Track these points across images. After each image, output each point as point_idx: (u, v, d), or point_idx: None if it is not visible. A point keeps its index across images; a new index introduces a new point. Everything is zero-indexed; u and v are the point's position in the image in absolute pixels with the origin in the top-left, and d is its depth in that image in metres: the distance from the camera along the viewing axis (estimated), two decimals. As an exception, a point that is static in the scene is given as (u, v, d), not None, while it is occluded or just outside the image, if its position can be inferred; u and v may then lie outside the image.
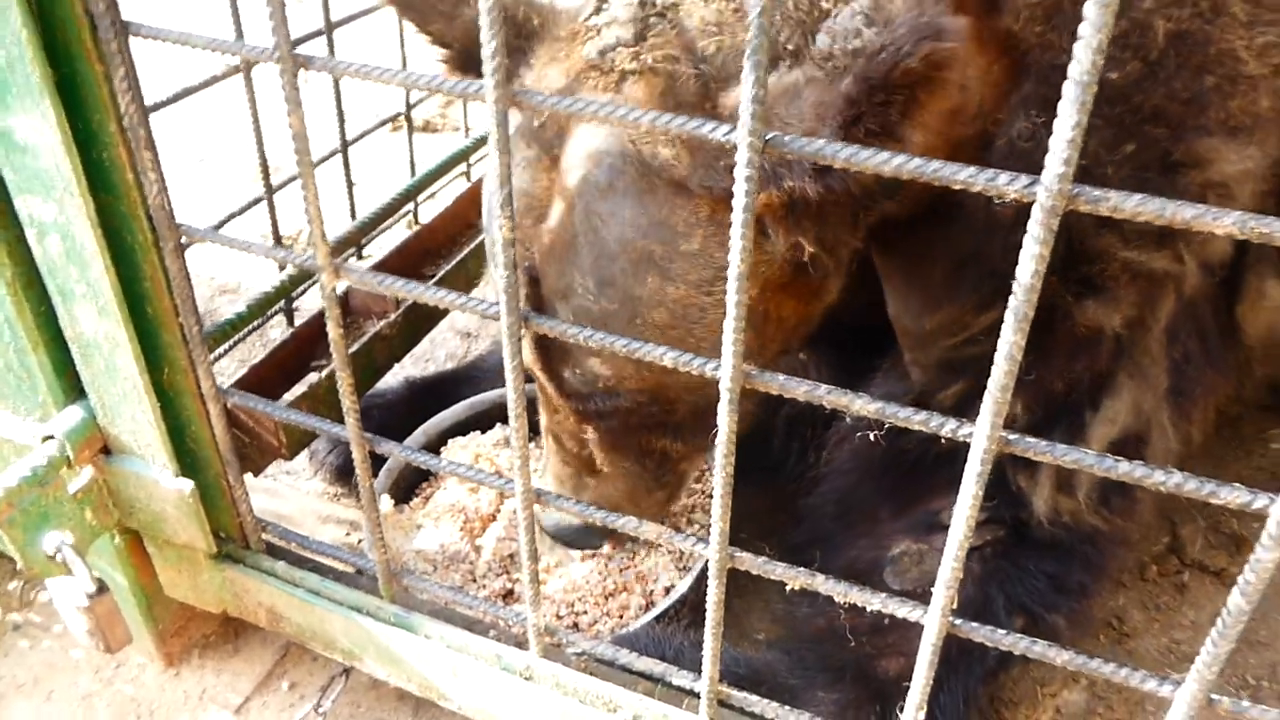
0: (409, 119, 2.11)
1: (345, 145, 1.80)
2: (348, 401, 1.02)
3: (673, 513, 1.62)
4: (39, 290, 1.09)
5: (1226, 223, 0.61)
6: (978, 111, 1.16)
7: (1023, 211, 1.22)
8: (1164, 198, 1.09)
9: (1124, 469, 0.72)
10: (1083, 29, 0.57)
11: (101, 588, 1.21)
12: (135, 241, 1.03)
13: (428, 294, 0.92)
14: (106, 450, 1.21)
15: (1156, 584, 1.59)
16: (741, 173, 0.70)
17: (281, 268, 1.68)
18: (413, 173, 2.17)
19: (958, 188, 0.67)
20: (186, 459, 1.20)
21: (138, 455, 1.19)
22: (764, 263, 1.16)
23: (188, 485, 1.18)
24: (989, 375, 1.35)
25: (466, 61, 1.29)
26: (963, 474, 0.78)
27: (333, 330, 0.97)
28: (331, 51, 1.66)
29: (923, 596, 0.91)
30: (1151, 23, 1.09)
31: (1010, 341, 0.70)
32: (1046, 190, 0.64)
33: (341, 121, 1.81)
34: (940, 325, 1.35)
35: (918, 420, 0.79)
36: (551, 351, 1.27)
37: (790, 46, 1.08)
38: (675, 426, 1.35)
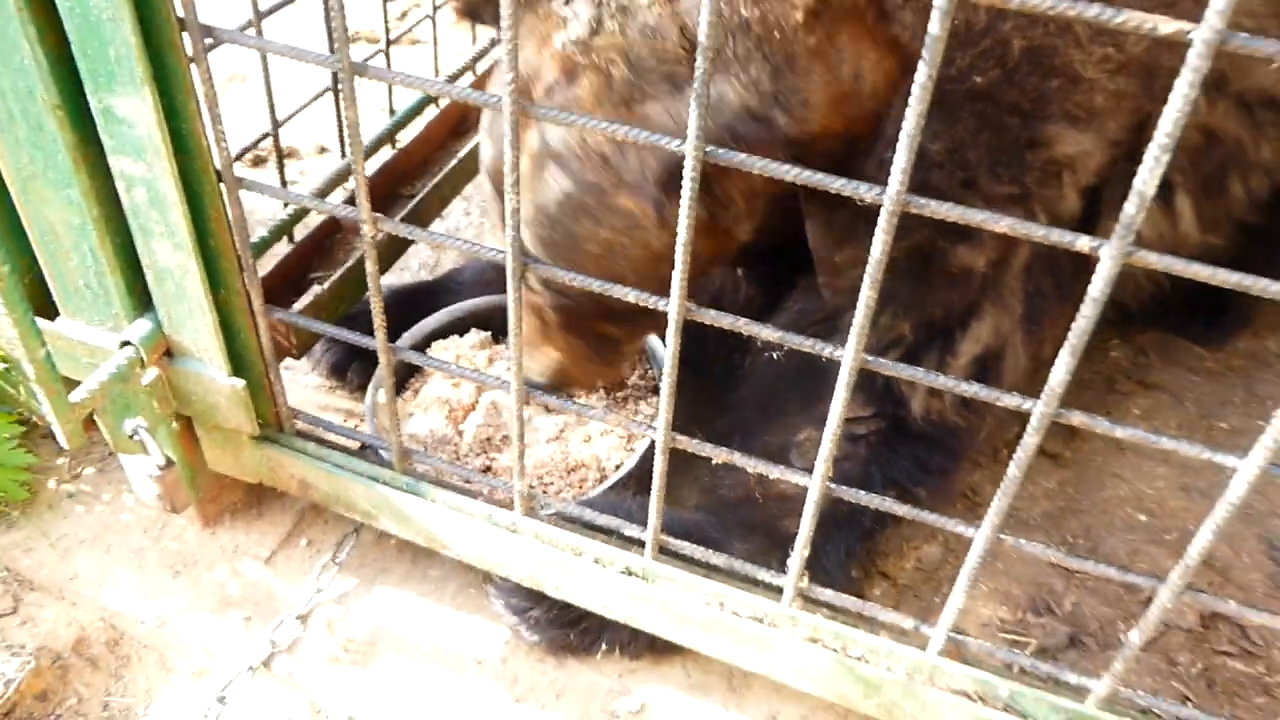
0: (388, 50, 2.32)
1: (336, 83, 2.03)
2: (378, 320, 1.32)
3: (623, 400, 1.96)
4: (117, 225, 1.35)
5: (1001, 225, 0.94)
6: (873, 98, 1.46)
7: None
8: (1016, 169, 1.45)
9: (961, 385, 1.07)
10: (908, 114, 0.88)
11: (169, 461, 1.51)
12: (204, 191, 1.29)
13: (450, 242, 1.22)
14: (168, 353, 1.49)
15: (1005, 465, 1.98)
16: (688, 176, 1.00)
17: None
18: (389, 91, 2.39)
19: (833, 192, 0.98)
20: (235, 361, 1.48)
21: (197, 358, 1.47)
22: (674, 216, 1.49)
23: (239, 383, 1.47)
24: (891, 301, 1.70)
25: (472, 5, 1.56)
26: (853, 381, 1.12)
27: (370, 267, 1.26)
28: None
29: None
30: (1010, 39, 1.40)
31: (866, 294, 1.03)
32: (890, 198, 0.95)
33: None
34: (847, 259, 1.68)
35: (807, 345, 1.12)
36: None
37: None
38: (615, 317, 1.68)
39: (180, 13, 1.13)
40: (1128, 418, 2.09)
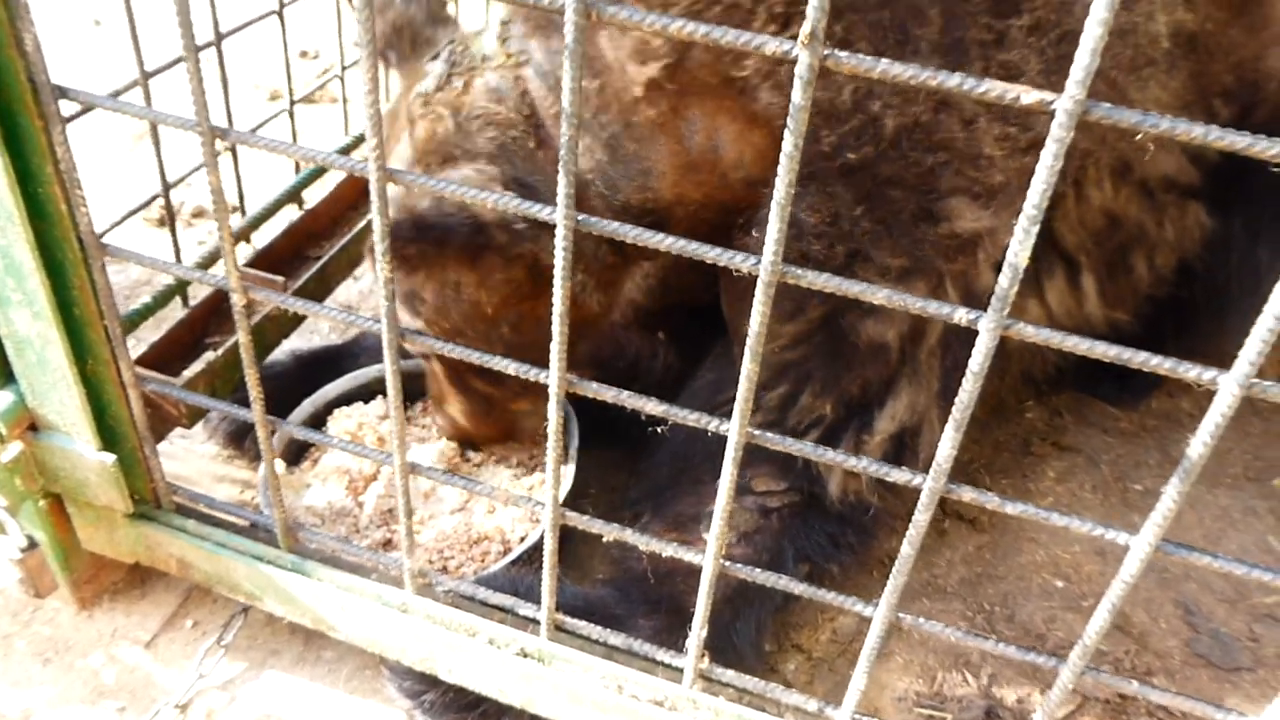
0: (292, 110, 2.27)
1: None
2: (254, 391, 1.25)
3: (533, 468, 1.90)
4: (-25, 293, 1.28)
5: (878, 297, 0.91)
6: (738, 168, 1.45)
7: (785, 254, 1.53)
8: (908, 243, 1.43)
9: (829, 456, 1.03)
10: (777, 184, 0.85)
11: (32, 543, 1.42)
12: (66, 259, 1.22)
13: (328, 313, 1.16)
14: (33, 427, 1.40)
15: (923, 530, 1.95)
16: (560, 245, 0.96)
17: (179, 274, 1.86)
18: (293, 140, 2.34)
19: (709, 261, 0.95)
20: (106, 434, 1.40)
21: (63, 432, 1.38)
22: (502, 282, 1.49)
23: (110, 458, 1.38)
24: (805, 378, 1.67)
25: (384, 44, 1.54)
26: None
27: (243, 337, 1.19)
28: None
29: (731, 546, 1.20)
30: (881, 117, 1.39)
31: (748, 368, 0.99)
32: (765, 269, 0.92)
33: (229, 108, 1.97)
34: None
35: (692, 419, 1.07)
36: None
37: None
38: (485, 375, 1.66)
39: (33, 74, 1.07)
40: (1044, 481, 2.08)
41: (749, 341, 0.97)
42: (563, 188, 0.93)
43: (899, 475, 1.01)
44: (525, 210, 0.98)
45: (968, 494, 1.02)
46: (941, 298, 1.62)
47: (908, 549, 1.06)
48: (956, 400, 0.94)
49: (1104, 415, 2.26)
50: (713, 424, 1.06)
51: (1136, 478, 2.10)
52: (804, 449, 1.04)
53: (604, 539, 1.25)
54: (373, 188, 0.99)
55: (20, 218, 1.16)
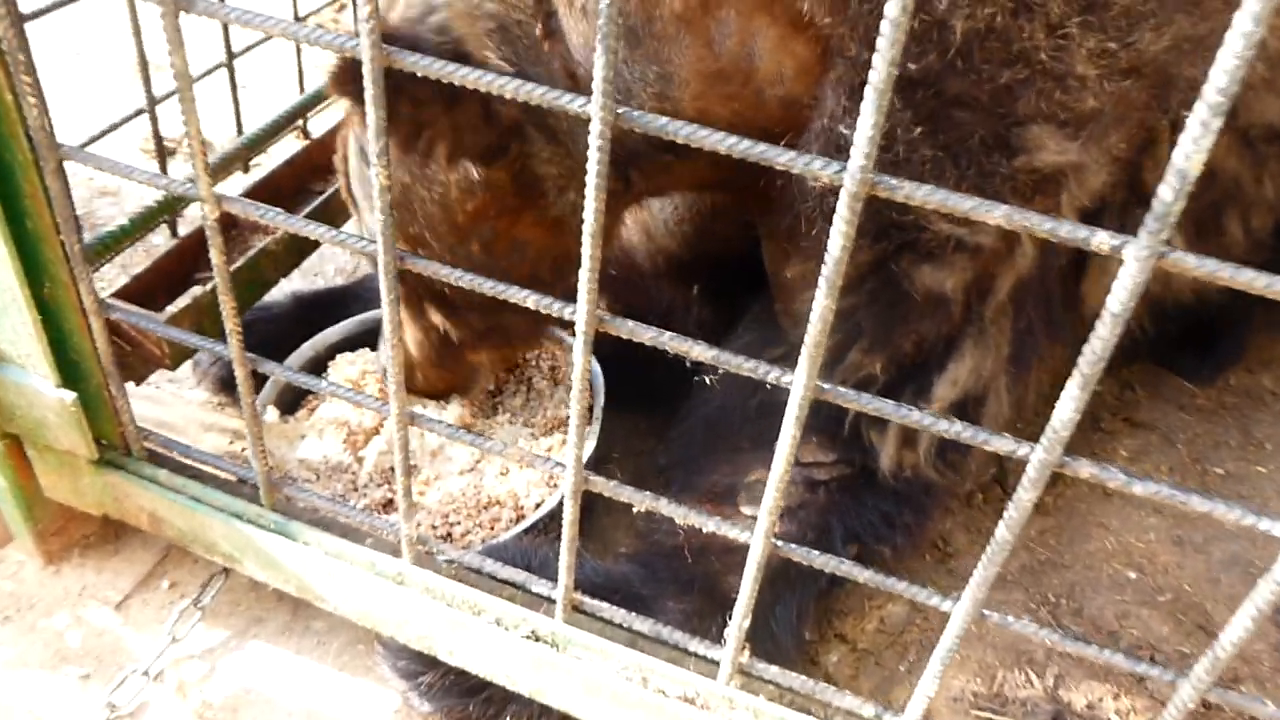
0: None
1: (231, 58, 1.79)
2: (230, 324, 1.07)
3: (549, 429, 1.71)
4: (-85, 200, 1.10)
5: (996, 215, 0.72)
6: (776, 83, 1.24)
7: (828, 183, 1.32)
8: (975, 176, 1.21)
9: (915, 417, 0.84)
10: (880, 43, 0.66)
11: (-19, 490, 1.25)
12: (15, 160, 1.05)
13: (306, 228, 0.98)
14: (-15, 358, 1.23)
15: (981, 510, 1.76)
16: (594, 143, 0.77)
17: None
18: (300, 78, 2.15)
19: (779, 168, 0.76)
20: (68, 369, 1.23)
21: (18, 364, 1.21)
22: (480, 183, 1.30)
23: (69, 395, 1.21)
24: (856, 331, 1.47)
25: None
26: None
27: (215, 257, 1.01)
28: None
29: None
30: (948, 20, 1.15)
31: (822, 305, 0.80)
32: (851, 177, 0.73)
33: (227, 35, 1.79)
34: (798, 275, 1.45)
35: (747, 367, 0.89)
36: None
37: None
38: (444, 304, 1.48)
39: (-35, -76, 0.89)
40: (1115, 459, 1.88)
41: (826, 271, 0.78)
42: (599, 70, 0.74)
43: (1002, 444, 0.82)
44: (554, 102, 0.79)
45: (1086, 469, 0.82)
46: (1013, 245, 1.41)
47: (1005, 533, 0.87)
48: (1086, 350, 0.75)
49: (1179, 390, 2.06)
50: (773, 374, 0.87)
51: (1216, 460, 1.90)
52: (883, 408, 0.85)
53: (632, 509, 1.07)
54: (366, 66, 0.80)
55: (-44, 107, 0.98)
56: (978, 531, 1.73)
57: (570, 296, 0.88)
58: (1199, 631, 1.56)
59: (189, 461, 1.35)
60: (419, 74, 0.82)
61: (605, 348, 1.80)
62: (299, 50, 2.07)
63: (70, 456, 1.31)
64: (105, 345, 1.19)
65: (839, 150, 1.23)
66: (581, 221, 1.39)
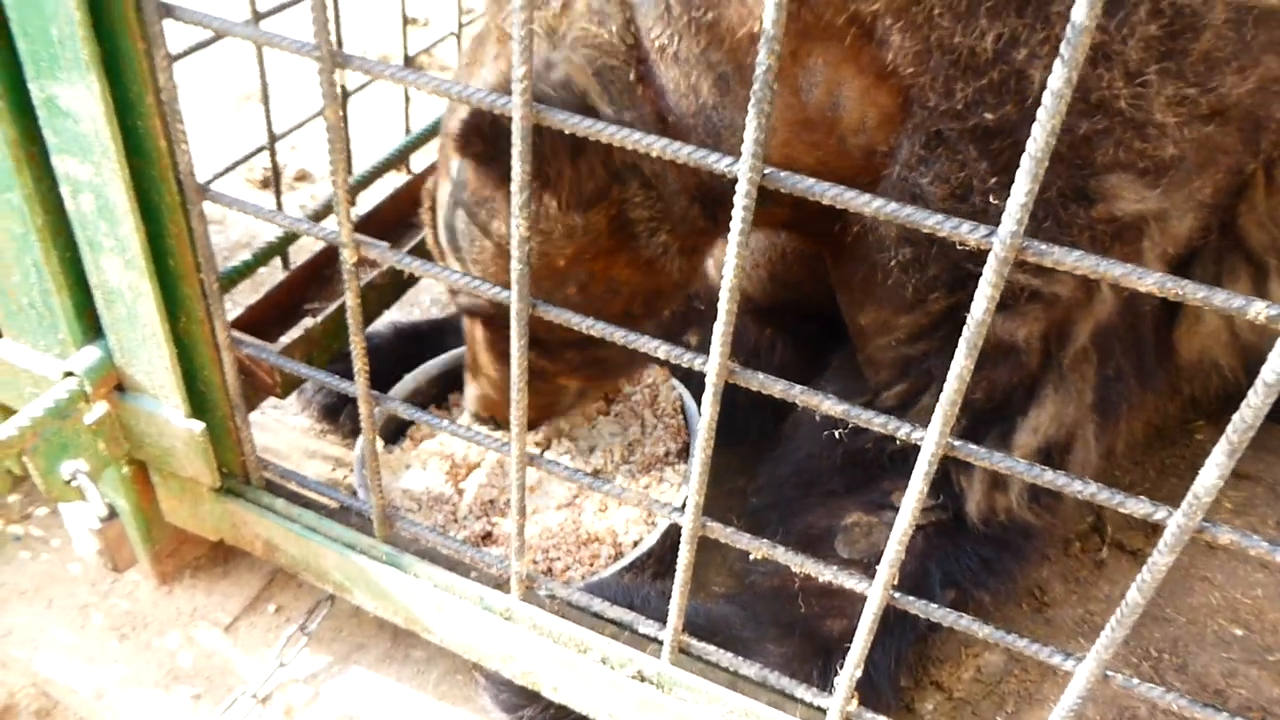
0: (406, 61, 2.15)
1: (345, 94, 1.85)
2: (359, 363, 1.10)
3: (647, 467, 1.73)
4: (66, 238, 1.16)
5: (1148, 282, 0.72)
6: (858, 132, 1.25)
7: (904, 234, 1.33)
8: (1053, 227, 1.20)
9: (1048, 477, 0.84)
10: (1040, 114, 0.66)
11: (112, 513, 1.30)
12: (163, 202, 1.10)
13: (442, 274, 1.01)
14: (120, 388, 1.29)
15: (1078, 559, 1.73)
16: (741, 201, 0.79)
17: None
18: (406, 118, 2.22)
19: (925, 230, 0.77)
20: (196, 400, 1.28)
21: (151, 395, 1.26)
22: (580, 228, 1.33)
23: (198, 426, 1.26)
24: (926, 377, 1.47)
25: None
26: (911, 466, 0.90)
27: (351, 300, 1.05)
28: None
29: (869, 566, 1.03)
30: (1027, 70, 1.15)
31: (961, 364, 0.80)
32: (1001, 242, 0.73)
33: (342, 73, 1.85)
34: (871, 323, 1.46)
35: (878, 423, 0.89)
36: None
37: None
38: (537, 344, 1.49)
39: (136, -15, 0.94)
40: (1219, 513, 1.83)
41: (967, 334, 0.78)
42: (751, 132, 0.76)
43: (1139, 508, 0.81)
44: (700, 161, 0.81)
45: (1226, 536, 0.81)
46: (1093, 295, 1.39)
47: (1138, 596, 0.86)
48: (1235, 419, 0.74)
49: (1283, 441, 2.00)
50: (903, 430, 0.87)
51: (1324, 515, 1.84)
52: (1015, 466, 0.85)
53: (724, 548, 1.08)
54: (516, 124, 0.83)
55: (117, 152, 1.03)
56: (1075, 581, 1.70)
57: (660, 330, 0.90)
58: (1309, 693, 1.52)
59: (304, 491, 1.39)
60: (556, 128, 0.85)
61: (685, 383, 1.82)
62: (407, 93, 2.13)
63: (193, 483, 1.36)
64: (234, 379, 1.24)
65: (914, 199, 1.23)
66: (671, 259, 1.42)
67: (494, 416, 1.68)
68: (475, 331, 1.59)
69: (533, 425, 1.75)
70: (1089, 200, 1.26)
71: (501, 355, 1.57)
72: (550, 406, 1.71)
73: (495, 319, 1.50)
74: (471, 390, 1.69)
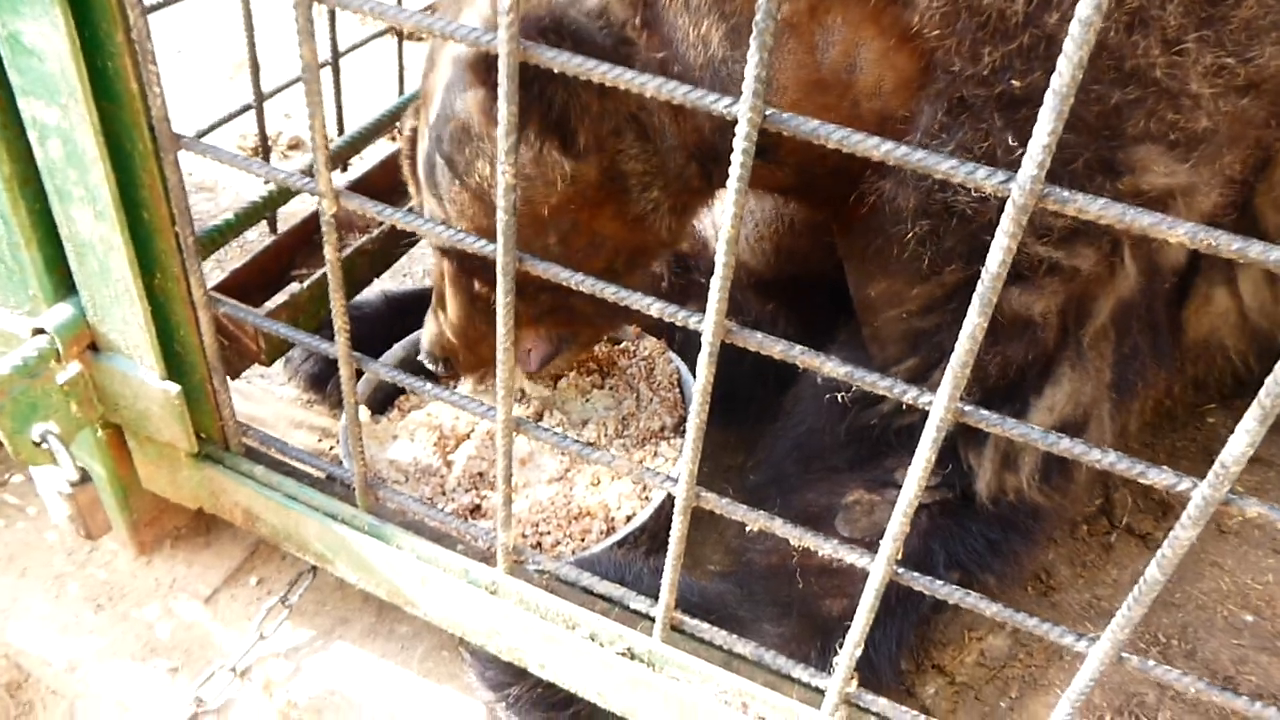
0: (399, 31, 2.09)
1: (337, 57, 1.79)
2: (339, 321, 1.05)
3: (641, 440, 1.68)
4: (35, 188, 1.11)
5: (1180, 232, 0.66)
6: (874, 96, 1.19)
7: (921, 205, 1.26)
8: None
9: (1064, 445, 0.79)
10: (1067, 45, 0.61)
11: (84, 477, 1.25)
12: (135, 149, 1.04)
13: (424, 226, 0.96)
14: (94, 347, 1.24)
15: (1085, 543, 1.68)
16: (740, 145, 0.74)
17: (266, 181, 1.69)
18: (400, 79, 2.16)
19: (937, 176, 0.72)
20: (173, 361, 1.23)
21: (125, 355, 1.21)
22: (570, 176, 1.26)
23: (174, 388, 1.21)
24: (937, 352, 1.41)
25: None
26: (917, 443, 0.85)
27: (330, 253, 1.00)
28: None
29: (870, 544, 0.98)
30: (1058, 36, 1.09)
31: (974, 323, 0.75)
32: (1020, 188, 0.68)
33: (334, 32, 1.79)
34: (881, 295, 1.40)
35: (883, 385, 0.84)
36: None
37: None
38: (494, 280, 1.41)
39: (103, -88, 0.89)
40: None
41: (980, 288, 0.73)
42: (752, 69, 0.70)
43: (1161, 478, 0.76)
44: (696, 102, 0.76)
45: (1253, 508, 0.76)
46: (1115, 270, 1.34)
47: (1157, 573, 0.81)
48: (1269, 383, 0.69)
49: (1297, 427, 1.95)
50: (910, 394, 0.82)
51: (1338, 500, 1.79)
52: (1029, 433, 0.80)
53: (721, 524, 1.03)
54: (502, 61, 0.78)
55: (84, 94, 0.98)
56: (1082, 565, 1.65)
57: (640, 288, 0.85)
58: (1325, 683, 1.47)
59: (285, 459, 1.34)
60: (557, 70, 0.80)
61: (682, 356, 1.76)
62: (401, 51, 2.07)
63: (170, 449, 1.31)
64: (211, 339, 1.18)
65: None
66: (660, 217, 1.36)
67: (448, 358, 1.61)
68: (444, 266, 1.51)
69: (475, 370, 1.65)
70: (1116, 173, 1.20)
71: (466, 292, 1.49)
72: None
73: (470, 258, 1.43)
74: (430, 328, 1.60)
